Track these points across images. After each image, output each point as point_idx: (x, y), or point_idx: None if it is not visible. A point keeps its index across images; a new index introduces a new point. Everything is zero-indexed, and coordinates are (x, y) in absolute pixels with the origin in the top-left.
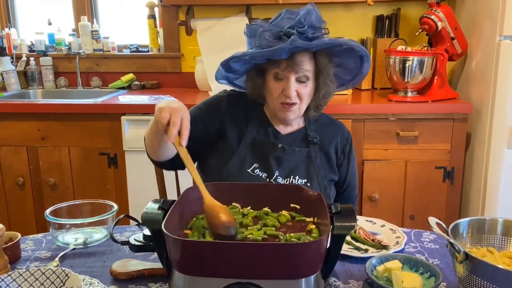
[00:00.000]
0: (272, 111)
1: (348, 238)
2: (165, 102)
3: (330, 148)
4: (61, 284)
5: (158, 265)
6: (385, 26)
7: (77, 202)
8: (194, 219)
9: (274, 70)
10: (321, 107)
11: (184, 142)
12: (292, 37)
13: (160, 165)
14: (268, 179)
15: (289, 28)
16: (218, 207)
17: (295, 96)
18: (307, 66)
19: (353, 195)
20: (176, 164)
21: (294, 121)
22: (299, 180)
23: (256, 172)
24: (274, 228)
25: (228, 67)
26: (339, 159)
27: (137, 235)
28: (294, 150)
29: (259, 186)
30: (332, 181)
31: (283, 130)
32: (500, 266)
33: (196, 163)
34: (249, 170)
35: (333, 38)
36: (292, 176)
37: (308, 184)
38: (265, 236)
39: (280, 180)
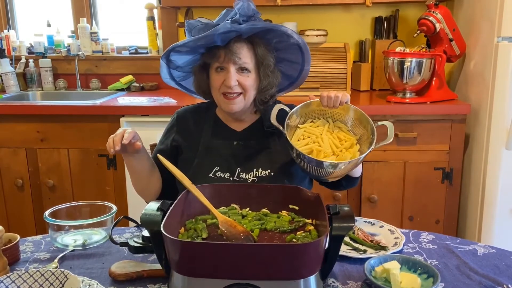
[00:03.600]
0: (218, 105)
1: (346, 239)
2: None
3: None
4: (60, 285)
5: (157, 266)
6: (384, 27)
7: (76, 204)
8: (193, 220)
9: (215, 64)
10: (266, 100)
11: (125, 140)
12: (223, 22)
13: None
14: (231, 178)
15: (226, 21)
16: (231, 221)
17: (236, 86)
18: (245, 57)
19: None
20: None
21: (245, 116)
22: (262, 172)
23: (218, 174)
24: (274, 223)
25: (169, 61)
26: None
27: (136, 237)
28: (251, 144)
29: (257, 187)
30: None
31: (238, 127)
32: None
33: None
34: (210, 175)
35: (265, 23)
36: (255, 169)
37: (272, 173)
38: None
39: (243, 175)
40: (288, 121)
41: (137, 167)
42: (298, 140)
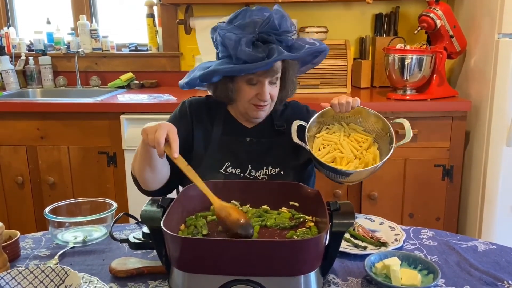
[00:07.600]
0: (240, 110)
1: (347, 235)
2: (148, 124)
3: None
4: (61, 282)
5: (157, 262)
6: (384, 24)
7: (76, 201)
8: (194, 217)
9: (248, 76)
10: (285, 101)
11: (176, 153)
12: (276, 49)
13: (154, 195)
14: (242, 174)
15: (261, 33)
16: (228, 207)
17: (269, 99)
18: (278, 71)
19: None
20: (168, 188)
21: None
22: (272, 170)
23: (229, 170)
24: (274, 219)
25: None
26: None
27: (136, 233)
28: (262, 142)
29: (257, 184)
30: (306, 164)
31: (249, 124)
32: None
33: None
34: (221, 171)
35: (315, 46)
36: (265, 167)
37: (282, 172)
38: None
39: (254, 173)
40: (308, 134)
41: (155, 162)
42: (319, 150)
